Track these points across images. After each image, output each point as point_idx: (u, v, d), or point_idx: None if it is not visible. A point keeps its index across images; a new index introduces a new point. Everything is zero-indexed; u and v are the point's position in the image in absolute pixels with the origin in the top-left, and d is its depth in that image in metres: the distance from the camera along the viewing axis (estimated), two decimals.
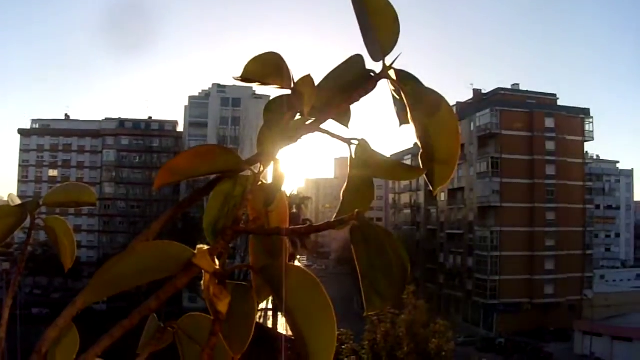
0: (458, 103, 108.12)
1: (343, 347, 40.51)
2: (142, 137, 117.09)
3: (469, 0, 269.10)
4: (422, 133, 1.17)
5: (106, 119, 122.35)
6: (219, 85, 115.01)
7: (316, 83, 1.19)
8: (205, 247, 1.12)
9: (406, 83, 1.18)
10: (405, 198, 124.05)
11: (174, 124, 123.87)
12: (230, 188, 1.20)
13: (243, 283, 1.20)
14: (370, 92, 1.20)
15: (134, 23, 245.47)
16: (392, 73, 1.19)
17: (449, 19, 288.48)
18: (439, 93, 1.18)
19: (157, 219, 1.17)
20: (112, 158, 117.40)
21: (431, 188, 1.20)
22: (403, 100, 1.19)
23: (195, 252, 1.10)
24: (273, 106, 1.23)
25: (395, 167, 1.19)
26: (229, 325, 1.16)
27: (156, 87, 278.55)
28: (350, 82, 1.21)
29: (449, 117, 1.17)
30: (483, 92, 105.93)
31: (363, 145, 1.17)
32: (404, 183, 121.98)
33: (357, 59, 1.21)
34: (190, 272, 1.10)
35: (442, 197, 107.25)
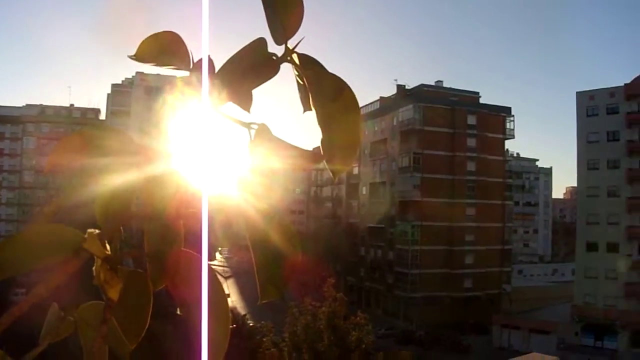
0: (381, 98, 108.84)
1: (264, 339, 40.42)
2: (63, 124, 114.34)
3: None
4: (323, 118, 1.14)
5: (27, 105, 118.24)
6: (142, 74, 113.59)
7: (219, 66, 1.16)
8: (96, 231, 1.07)
9: (308, 67, 1.16)
10: (326, 191, 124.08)
11: (97, 112, 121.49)
12: (124, 170, 1.13)
13: (138, 270, 1.15)
14: (272, 76, 1.18)
15: (58, 7, 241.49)
16: (295, 58, 1.16)
17: (375, 15, 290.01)
18: (341, 78, 1.15)
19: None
20: (33, 145, 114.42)
21: (332, 175, 1.18)
22: (306, 86, 1.16)
23: (86, 236, 1.06)
24: (171, 88, 1.16)
25: (295, 153, 1.15)
26: (124, 313, 1.13)
27: (79, 73, 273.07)
28: (252, 66, 1.17)
29: (351, 103, 1.14)
30: (407, 87, 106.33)
31: (263, 130, 1.13)
32: (326, 176, 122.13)
33: (260, 42, 1.17)
34: (81, 257, 1.05)
35: (364, 191, 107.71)
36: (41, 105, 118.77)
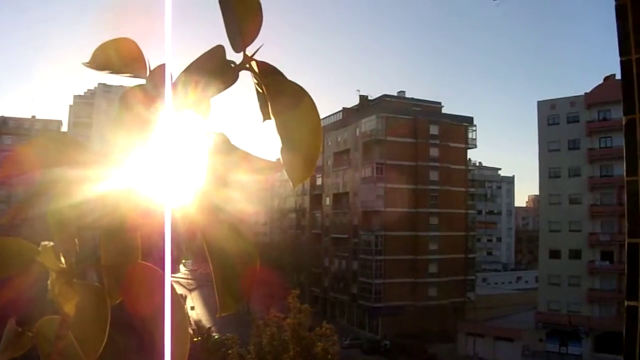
0: (344, 109, 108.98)
1: (229, 352, 40.21)
2: (24, 136, 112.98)
3: (358, 7, 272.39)
4: (282, 127, 1.12)
5: None
6: (105, 85, 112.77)
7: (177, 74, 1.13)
8: (50, 243, 1.05)
9: (267, 75, 1.14)
10: (290, 202, 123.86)
11: (59, 123, 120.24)
12: (79, 180, 1.09)
13: (94, 284, 1.12)
14: (231, 84, 1.15)
15: (20, 17, 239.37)
16: (254, 65, 1.14)
17: (338, 25, 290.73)
18: (300, 86, 1.13)
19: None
20: None
21: (292, 183, 1.14)
22: (265, 94, 1.14)
23: (40, 249, 1.03)
24: (127, 97, 1.13)
25: (254, 161, 1.14)
26: (81, 328, 1.10)
27: (42, 84, 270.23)
28: (210, 74, 1.13)
29: (310, 111, 1.12)
30: (369, 98, 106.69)
31: (221, 139, 1.12)
32: (290, 187, 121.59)
33: (218, 50, 1.14)
34: (34, 271, 1.03)
35: (327, 201, 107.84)
36: (2, 116, 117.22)
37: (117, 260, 1.11)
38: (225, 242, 1.09)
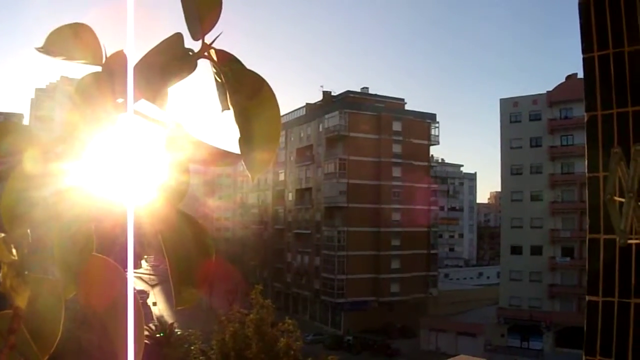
0: (307, 104, 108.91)
1: (192, 348, 40.01)
2: None
3: (321, 3, 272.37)
4: (241, 117, 1.10)
5: None
6: (67, 78, 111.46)
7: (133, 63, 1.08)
8: (2, 235, 1.02)
9: (226, 64, 1.11)
10: (252, 197, 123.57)
11: (20, 117, 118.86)
12: (33, 170, 1.04)
13: (47, 277, 1.07)
14: (189, 73, 1.11)
15: None
16: (212, 53, 1.11)
17: (301, 19, 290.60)
18: (260, 75, 1.11)
19: None
20: None
21: (249, 175, 1.13)
22: (223, 83, 1.12)
23: None
24: (82, 85, 1.09)
25: (212, 152, 1.10)
26: (34, 323, 1.07)
27: (2, 76, 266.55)
28: (168, 62, 1.10)
29: (270, 101, 1.11)
30: (333, 94, 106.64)
31: (178, 129, 1.09)
32: (253, 183, 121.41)
33: (176, 38, 1.10)
34: None
35: (290, 197, 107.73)
36: None
37: (71, 253, 1.06)
38: (180, 234, 1.07)
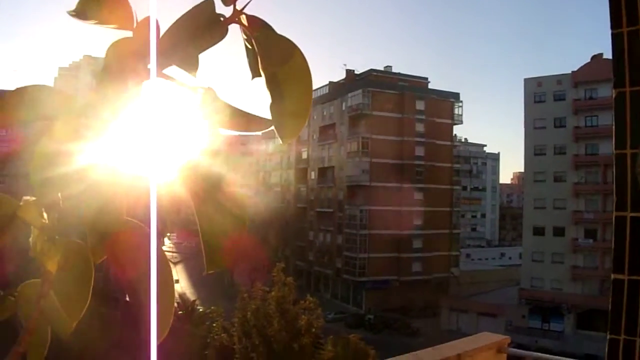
0: (330, 83, 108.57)
1: (214, 325, 40.17)
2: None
3: None
4: (272, 83, 1.09)
5: None
6: (90, 57, 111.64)
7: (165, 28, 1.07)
8: (33, 198, 1.01)
9: (257, 29, 1.10)
10: (275, 176, 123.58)
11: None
12: (64, 134, 1.03)
13: (77, 241, 1.06)
14: (220, 38, 1.10)
15: None
16: (243, 19, 1.10)
17: None
18: (291, 41, 1.10)
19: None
20: None
21: (281, 141, 1.13)
22: (254, 49, 1.11)
23: (21, 203, 1.00)
24: (113, 50, 1.07)
25: (243, 117, 1.10)
26: (64, 288, 1.06)
27: (26, 56, 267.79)
28: (199, 28, 1.09)
29: (301, 67, 1.10)
30: (356, 72, 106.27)
31: (210, 94, 1.08)
32: (275, 161, 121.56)
33: (207, 3, 1.09)
34: (15, 227, 0.99)
35: (313, 175, 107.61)
36: None
37: (102, 217, 1.05)
38: (214, 197, 1.06)
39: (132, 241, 1.03)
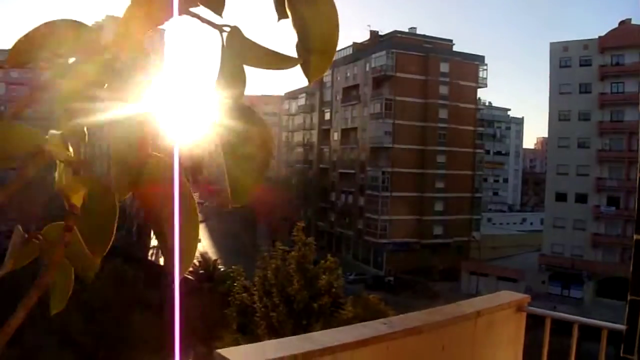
0: (354, 44, 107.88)
1: (235, 284, 40.40)
2: (32, 69, 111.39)
3: None
4: (299, 21, 1.08)
5: None
6: (113, 17, 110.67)
7: None
8: (59, 132, 0.99)
9: None
10: (298, 136, 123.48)
11: None
12: (92, 67, 1.03)
13: (103, 177, 1.05)
14: None
15: None
16: None
17: None
18: None
19: None
20: (2, 92, 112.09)
21: (307, 79, 1.11)
22: None
23: (47, 137, 0.97)
24: None
25: (269, 55, 1.09)
26: (87, 224, 1.05)
27: (47, 16, 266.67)
28: None
29: (328, 6, 1.09)
30: (380, 34, 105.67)
31: (235, 33, 1.07)
32: (298, 121, 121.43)
33: None
34: (40, 160, 0.97)
35: (335, 136, 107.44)
36: (7, 50, 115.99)
37: (128, 152, 1.03)
38: (238, 130, 1.05)
39: (157, 175, 1.02)
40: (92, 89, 1.03)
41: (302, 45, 1.09)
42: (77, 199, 1.00)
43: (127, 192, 1.06)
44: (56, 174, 1.01)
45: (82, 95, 1.02)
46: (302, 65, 1.10)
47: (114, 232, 1.07)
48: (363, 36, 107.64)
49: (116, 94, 1.03)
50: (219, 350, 3.89)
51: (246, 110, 1.06)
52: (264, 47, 1.09)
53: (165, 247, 0.93)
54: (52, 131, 0.98)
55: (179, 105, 1.09)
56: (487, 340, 5.49)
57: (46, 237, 1.16)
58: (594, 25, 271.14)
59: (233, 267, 43.43)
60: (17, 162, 0.98)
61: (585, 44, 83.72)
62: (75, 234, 1.05)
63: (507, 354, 5.77)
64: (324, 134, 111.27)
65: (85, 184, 1.02)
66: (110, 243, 1.08)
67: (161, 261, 69.84)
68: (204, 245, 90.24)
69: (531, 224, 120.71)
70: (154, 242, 79.52)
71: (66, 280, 1.17)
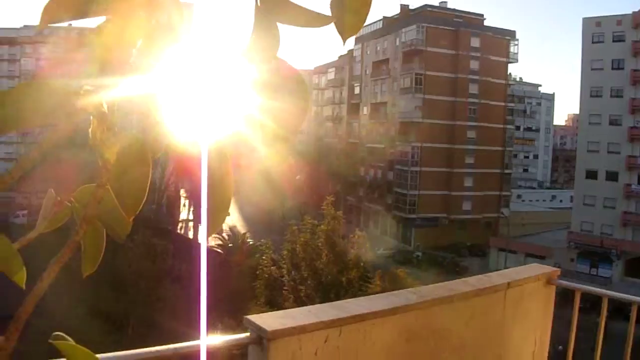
0: (384, 18, 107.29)
1: (264, 257, 40.54)
2: (61, 45, 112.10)
3: None
4: None
5: (24, 26, 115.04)
6: None
7: None
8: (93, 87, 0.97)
9: None
10: (327, 110, 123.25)
11: (95, 31, 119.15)
12: (126, 26, 1.01)
13: (137, 134, 1.04)
14: None
15: None
16: None
17: None
18: None
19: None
20: (31, 67, 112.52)
21: (341, 37, 1.12)
22: None
23: (81, 92, 0.96)
24: None
25: (304, 13, 1.08)
26: (120, 182, 1.04)
27: None
28: None
29: None
30: (410, 8, 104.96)
31: None
32: (327, 96, 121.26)
33: None
34: (76, 116, 0.96)
35: (365, 111, 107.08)
36: (42, 9, 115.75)
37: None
38: (272, 79, 1.05)
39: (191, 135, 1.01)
40: (126, 48, 1.01)
41: (336, 3, 1.10)
42: (111, 155, 1.00)
43: (160, 151, 1.06)
44: (90, 129, 1.01)
45: (116, 54, 1.00)
46: (336, 24, 1.10)
47: (147, 189, 1.06)
48: (393, 10, 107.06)
49: (150, 52, 1.01)
50: (248, 316, 3.94)
51: (281, 62, 1.06)
52: (298, 5, 1.08)
53: (198, 210, 0.93)
54: (87, 87, 0.97)
55: (212, 68, 1.07)
56: (516, 311, 5.50)
57: (77, 200, 1.17)
58: (628, 1, 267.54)
59: (262, 240, 43.56)
60: (52, 118, 0.97)
61: (618, 19, 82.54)
62: (107, 191, 1.04)
63: (536, 326, 5.77)
64: (354, 109, 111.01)
65: (119, 140, 1.01)
66: (144, 200, 1.07)
67: (190, 234, 70.33)
68: (233, 218, 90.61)
69: (561, 201, 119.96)
70: (183, 215, 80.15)
71: (98, 242, 1.17)
